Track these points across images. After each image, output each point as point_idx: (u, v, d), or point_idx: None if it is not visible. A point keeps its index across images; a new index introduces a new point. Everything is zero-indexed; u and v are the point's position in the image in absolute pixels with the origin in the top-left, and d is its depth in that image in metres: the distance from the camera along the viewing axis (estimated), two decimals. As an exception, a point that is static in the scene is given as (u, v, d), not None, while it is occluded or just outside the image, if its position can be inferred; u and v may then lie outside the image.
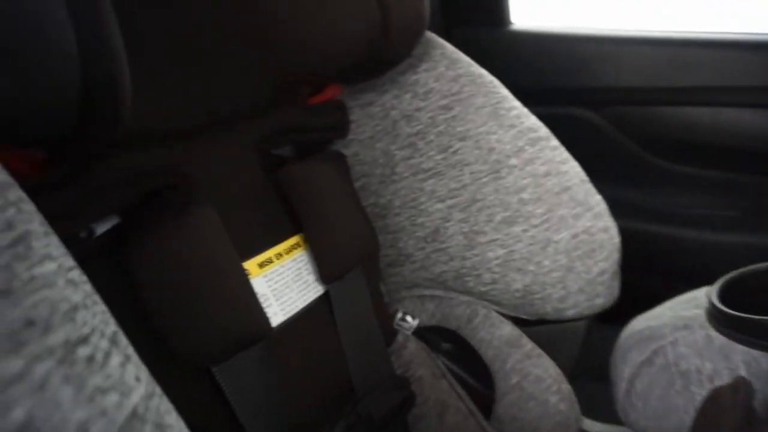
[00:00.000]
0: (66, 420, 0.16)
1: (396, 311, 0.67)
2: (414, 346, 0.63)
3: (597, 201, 0.59)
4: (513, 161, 0.58)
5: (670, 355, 0.54)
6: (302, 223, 0.52)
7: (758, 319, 0.48)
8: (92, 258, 0.39)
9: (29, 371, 0.16)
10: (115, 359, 0.20)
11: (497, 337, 0.64)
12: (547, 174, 0.58)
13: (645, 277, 0.96)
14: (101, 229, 0.42)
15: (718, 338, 0.51)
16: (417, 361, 0.62)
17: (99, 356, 0.19)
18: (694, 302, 0.57)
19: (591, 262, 0.59)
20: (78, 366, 0.18)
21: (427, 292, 0.67)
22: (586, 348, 0.74)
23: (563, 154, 0.60)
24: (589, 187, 0.59)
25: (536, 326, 0.64)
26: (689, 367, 0.53)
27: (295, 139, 0.59)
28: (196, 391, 0.40)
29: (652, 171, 1.07)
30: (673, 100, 1.01)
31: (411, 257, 0.65)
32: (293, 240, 0.53)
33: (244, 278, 0.42)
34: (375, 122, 0.63)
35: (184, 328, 0.37)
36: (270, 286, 0.49)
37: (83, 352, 0.19)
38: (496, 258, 0.60)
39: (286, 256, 0.51)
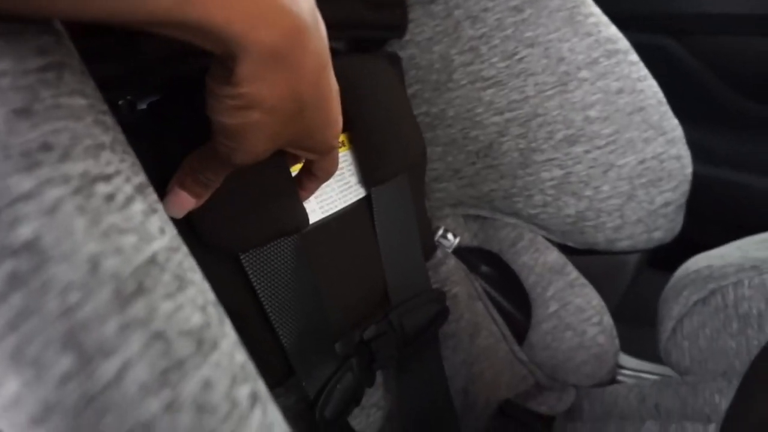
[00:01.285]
0: (76, 249, 0.15)
1: (437, 228, 0.65)
2: (453, 264, 0.61)
3: (673, 126, 0.54)
4: (584, 74, 0.53)
5: (730, 296, 0.50)
6: (348, 120, 0.50)
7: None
8: (130, 131, 0.37)
9: (40, 192, 0.15)
10: (138, 206, 0.18)
11: (541, 263, 0.61)
12: (620, 91, 0.53)
13: (707, 226, 0.90)
14: (142, 104, 0.40)
15: (789, 283, 0.47)
16: (454, 279, 0.60)
17: (120, 197, 0.18)
18: (767, 243, 0.52)
19: (656, 191, 0.54)
20: (95, 200, 0.16)
21: (472, 211, 0.64)
22: (634, 294, 0.70)
23: (642, 70, 0.54)
24: (666, 110, 0.54)
25: (584, 255, 0.61)
26: (750, 310, 0.49)
27: (350, 35, 0.55)
28: (223, 276, 0.39)
29: (731, 109, 0.98)
30: (765, 30, 0.90)
31: (459, 173, 0.62)
32: (338, 138, 0.50)
33: (282, 165, 0.40)
34: (436, 22, 0.58)
35: (215, 210, 0.36)
36: (310, 182, 0.47)
37: (103, 189, 0.17)
38: (552, 179, 0.56)
39: (329, 154, 0.49)
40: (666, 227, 0.55)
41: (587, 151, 0.54)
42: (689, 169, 0.54)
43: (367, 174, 0.50)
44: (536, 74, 0.54)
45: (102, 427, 0.13)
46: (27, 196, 0.15)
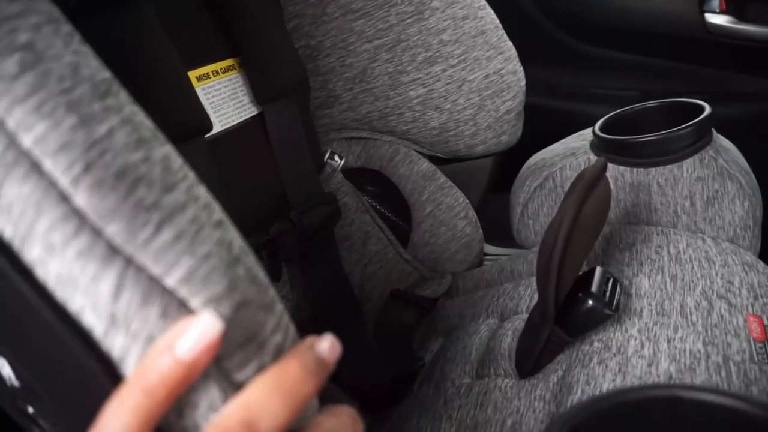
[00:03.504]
0: (60, 56, 0.21)
1: (325, 152, 0.73)
2: (341, 178, 0.70)
3: (508, 46, 0.66)
4: (435, 3, 0.63)
5: (557, 178, 0.64)
6: (238, 46, 0.56)
7: (625, 140, 0.58)
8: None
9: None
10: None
11: (415, 172, 0.71)
12: (465, 17, 0.64)
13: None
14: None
15: (595, 159, 0.61)
16: (343, 190, 0.69)
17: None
18: (582, 137, 0.67)
19: (499, 101, 0.66)
20: (64, 29, 0.22)
21: (354, 134, 0.73)
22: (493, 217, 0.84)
23: (481, 1, 0.65)
24: (502, 33, 0.66)
25: (450, 163, 0.72)
26: (572, 186, 0.63)
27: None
28: None
29: (569, 53, 1.15)
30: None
31: (339, 98, 0.70)
32: (229, 62, 0.56)
33: (183, 73, 0.45)
34: (307, -38, 0.65)
35: None
36: (207, 99, 0.52)
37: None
38: (417, 97, 0.66)
39: (222, 75, 0.55)
40: (510, 132, 0.68)
41: (444, 70, 0.65)
42: (523, 82, 0.67)
43: (257, 93, 0.57)
44: (397, 5, 0.63)
45: (104, 161, 0.19)
46: (17, 16, 0.20)
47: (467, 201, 0.71)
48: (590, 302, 0.42)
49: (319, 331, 0.22)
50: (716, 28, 1.02)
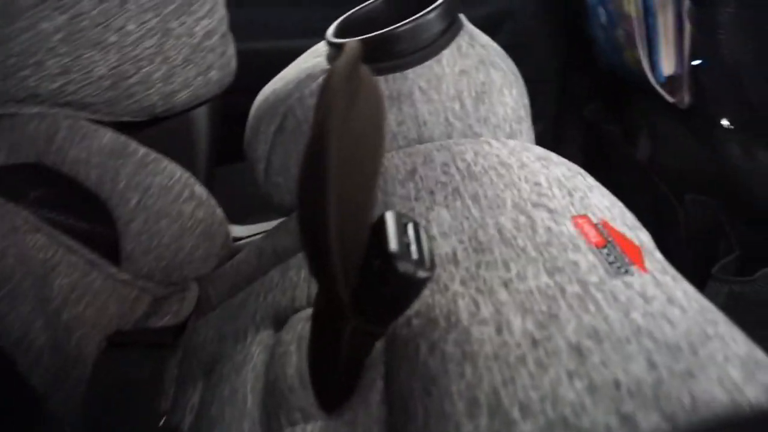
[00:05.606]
0: None
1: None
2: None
3: None
4: None
5: (298, 112, 0.47)
6: None
7: (369, 38, 0.44)
8: None
9: None
10: None
11: (96, 151, 0.47)
12: None
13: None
14: None
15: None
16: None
17: None
18: (315, 53, 0.51)
19: (191, 19, 0.46)
20: None
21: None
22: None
23: None
24: None
25: (150, 127, 0.50)
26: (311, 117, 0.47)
27: None
28: None
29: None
30: None
31: None
32: None
33: None
34: None
35: None
36: None
37: None
38: (56, 30, 0.42)
39: None
40: (219, 63, 0.48)
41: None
42: None
43: None
44: None
45: None
46: None
47: (188, 174, 0.50)
48: (397, 267, 0.27)
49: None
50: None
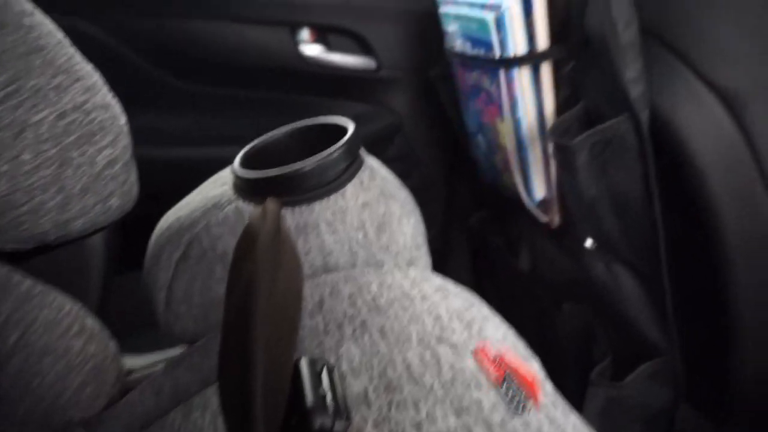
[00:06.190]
0: None
1: None
2: None
3: (88, 71, 0.46)
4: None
5: (204, 240, 0.47)
6: None
7: (277, 175, 0.46)
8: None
9: None
10: None
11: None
12: (3, 27, 0.40)
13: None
14: None
15: (247, 207, 0.47)
16: None
17: None
18: (221, 180, 0.52)
19: (93, 149, 0.45)
20: None
21: None
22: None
23: (25, 5, 0.43)
24: (73, 52, 0.45)
25: (37, 256, 0.47)
26: (226, 247, 0.47)
27: None
28: None
29: (171, 92, 1.00)
30: (173, 8, 0.94)
31: None
32: None
33: None
34: None
35: None
36: None
37: None
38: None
39: None
40: (120, 191, 0.47)
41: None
42: (123, 120, 0.48)
43: None
44: None
45: None
46: None
47: (79, 306, 0.47)
48: (314, 424, 0.27)
49: None
50: (311, 59, 1.04)
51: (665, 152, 0.53)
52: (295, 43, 1.03)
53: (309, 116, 1.16)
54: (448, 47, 0.78)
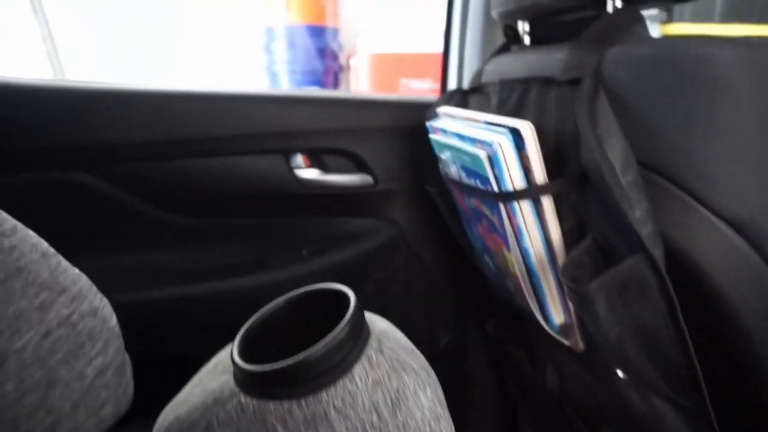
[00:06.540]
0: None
1: None
2: None
3: (74, 276, 0.44)
4: None
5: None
6: None
7: (280, 369, 0.43)
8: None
9: None
10: None
11: None
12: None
13: (181, 349, 0.85)
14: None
15: (250, 403, 0.44)
16: None
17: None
18: (221, 366, 0.49)
19: (83, 362, 0.42)
20: None
21: None
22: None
23: (7, 222, 0.42)
24: (58, 260, 0.43)
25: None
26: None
27: None
28: None
29: (169, 228, 0.99)
30: (171, 153, 0.95)
31: None
32: None
33: None
34: None
35: None
36: None
37: None
38: None
39: None
40: (114, 398, 0.44)
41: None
42: (114, 321, 0.45)
43: None
44: None
45: None
46: None
47: None
48: None
49: None
50: (309, 182, 1.04)
51: (688, 286, 0.50)
52: (290, 168, 1.04)
53: (310, 237, 1.15)
54: (443, 172, 0.77)
